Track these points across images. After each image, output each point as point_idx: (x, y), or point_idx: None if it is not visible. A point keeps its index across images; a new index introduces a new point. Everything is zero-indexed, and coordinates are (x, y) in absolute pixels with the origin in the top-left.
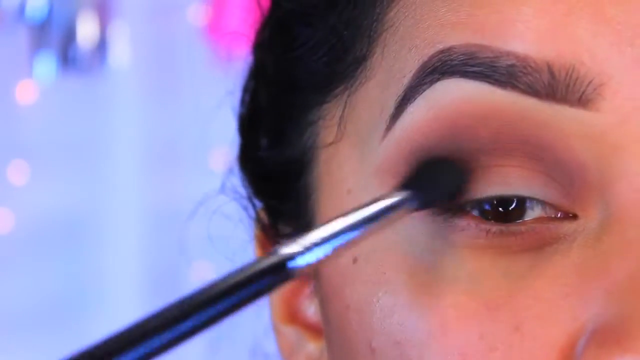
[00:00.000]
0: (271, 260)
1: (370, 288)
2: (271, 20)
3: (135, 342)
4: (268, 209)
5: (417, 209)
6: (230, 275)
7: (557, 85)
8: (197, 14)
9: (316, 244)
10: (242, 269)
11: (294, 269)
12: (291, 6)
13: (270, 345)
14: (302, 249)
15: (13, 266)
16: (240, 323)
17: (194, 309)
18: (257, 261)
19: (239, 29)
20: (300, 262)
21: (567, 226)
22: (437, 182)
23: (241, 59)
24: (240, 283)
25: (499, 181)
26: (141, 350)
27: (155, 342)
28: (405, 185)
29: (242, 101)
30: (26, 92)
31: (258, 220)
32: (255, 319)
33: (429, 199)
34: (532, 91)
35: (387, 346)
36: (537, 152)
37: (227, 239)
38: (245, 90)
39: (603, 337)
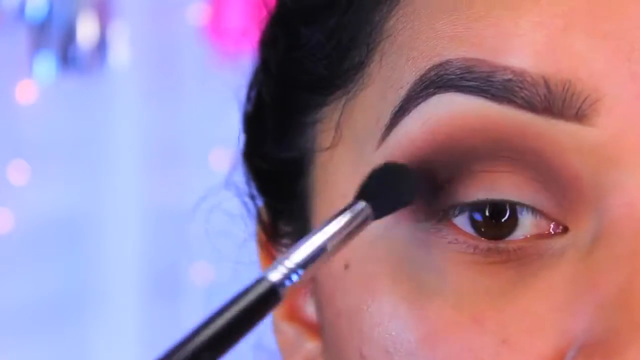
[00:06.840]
0: (260, 288)
1: (360, 296)
2: (276, 19)
3: None
4: (269, 207)
5: (376, 218)
6: (224, 308)
7: (553, 100)
8: (197, 14)
9: (299, 266)
10: (233, 300)
11: (282, 293)
12: (294, 6)
13: (274, 342)
14: (286, 273)
15: (13, 266)
16: None
17: (195, 348)
18: (247, 291)
19: (239, 28)
20: (287, 283)
21: (556, 241)
22: (393, 190)
23: (241, 59)
24: (237, 316)
25: (488, 186)
26: None
27: None
28: (361, 194)
29: (248, 97)
30: (26, 92)
31: (259, 218)
32: None
33: (386, 208)
34: (528, 106)
35: (378, 354)
36: (531, 162)
37: (227, 238)
38: (251, 86)
39: (591, 351)
